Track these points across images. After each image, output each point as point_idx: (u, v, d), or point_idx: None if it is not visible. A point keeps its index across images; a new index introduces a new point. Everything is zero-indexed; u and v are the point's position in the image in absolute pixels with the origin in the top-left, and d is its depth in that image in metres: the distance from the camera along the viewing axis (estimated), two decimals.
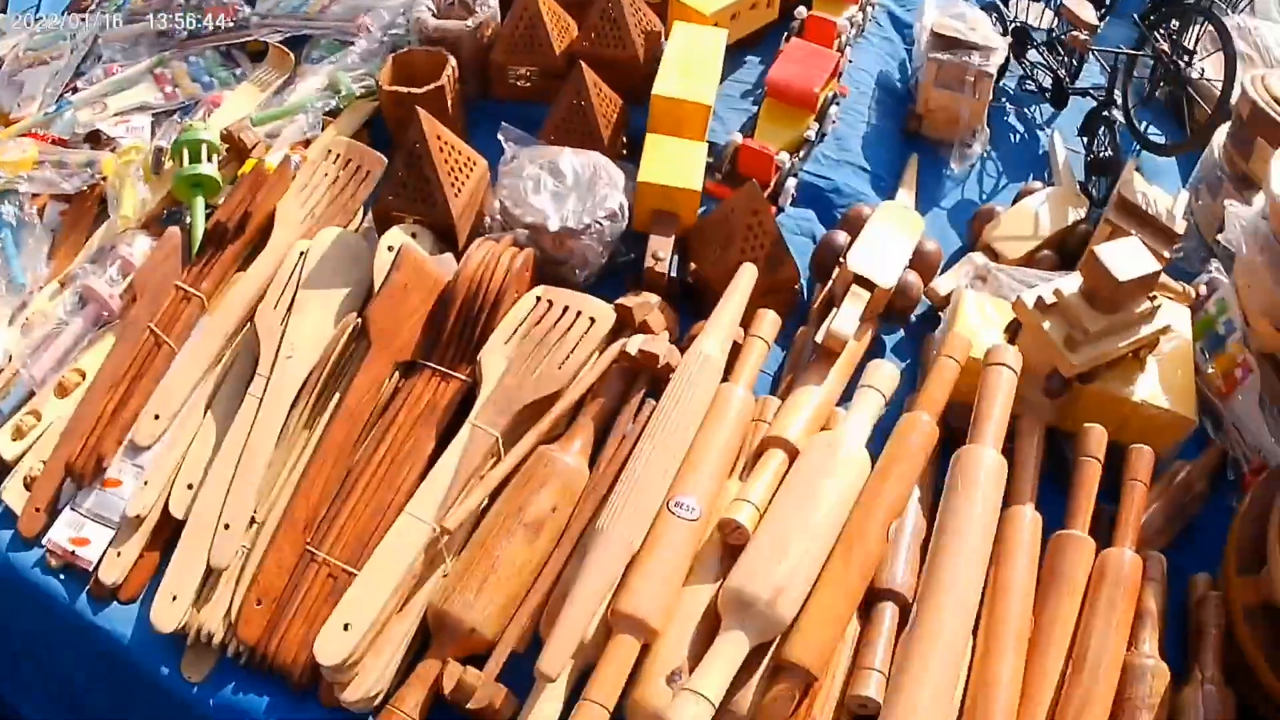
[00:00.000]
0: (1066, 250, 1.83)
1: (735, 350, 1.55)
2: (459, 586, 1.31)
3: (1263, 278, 1.57)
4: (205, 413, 1.51)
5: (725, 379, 1.50)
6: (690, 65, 1.83)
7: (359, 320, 1.53)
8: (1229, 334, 1.65)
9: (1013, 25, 2.18)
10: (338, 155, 1.76)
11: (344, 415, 1.46)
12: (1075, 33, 1.98)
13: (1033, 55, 2.17)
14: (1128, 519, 1.42)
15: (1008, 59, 2.12)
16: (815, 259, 1.73)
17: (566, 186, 1.67)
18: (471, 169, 1.69)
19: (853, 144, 2.01)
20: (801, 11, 2.09)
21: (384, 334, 1.50)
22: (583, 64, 1.81)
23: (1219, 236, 1.67)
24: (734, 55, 2.09)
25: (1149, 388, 1.54)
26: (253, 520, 1.41)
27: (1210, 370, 1.66)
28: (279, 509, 1.42)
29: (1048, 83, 2.13)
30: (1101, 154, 1.93)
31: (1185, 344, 1.60)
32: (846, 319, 1.56)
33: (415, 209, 1.64)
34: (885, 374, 1.50)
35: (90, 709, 1.52)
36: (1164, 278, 1.64)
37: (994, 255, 1.81)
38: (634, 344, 1.49)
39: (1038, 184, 1.94)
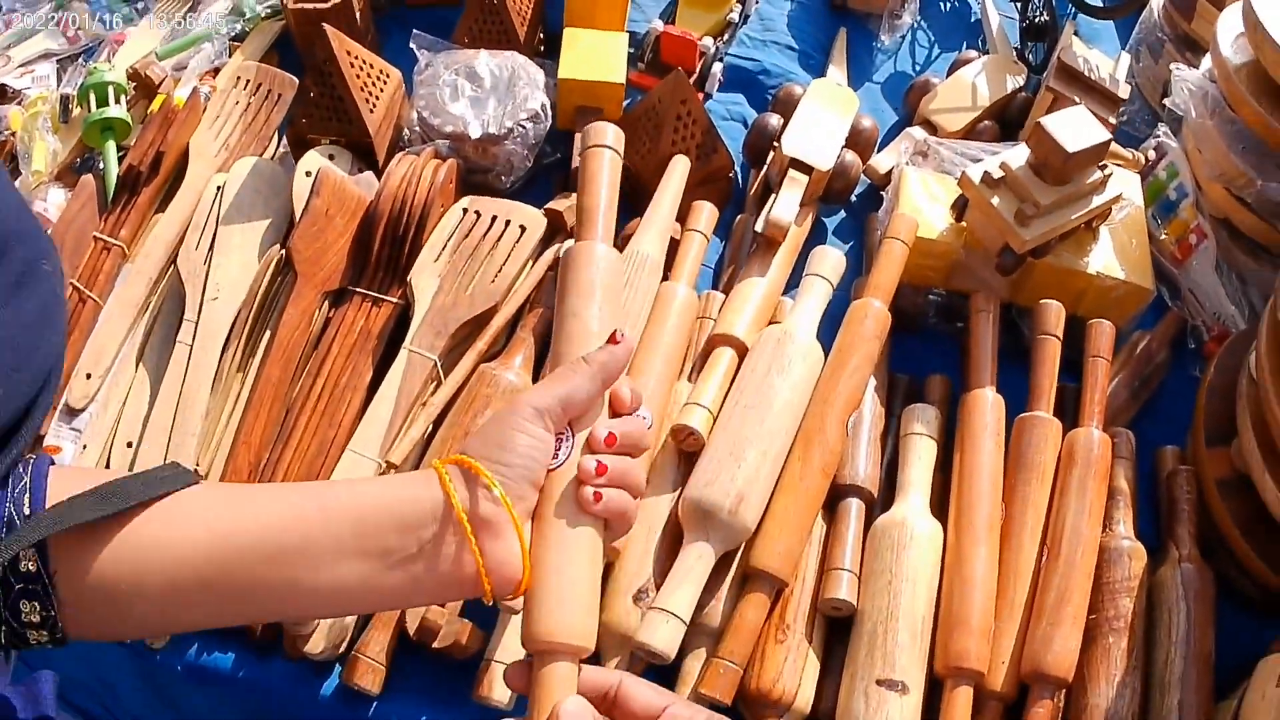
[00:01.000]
0: (1007, 119, 1.78)
1: (673, 246, 1.49)
2: None
3: (1214, 141, 1.53)
4: (137, 365, 1.44)
5: (665, 277, 1.44)
6: None
7: (283, 252, 1.47)
8: (1180, 199, 1.61)
9: None
10: (247, 81, 1.68)
11: (277, 353, 1.39)
12: None
13: None
14: (1092, 397, 1.38)
15: None
16: (748, 144, 1.66)
17: (485, 90, 1.59)
18: (385, 82, 1.61)
19: (778, 23, 1.94)
20: None
21: (309, 263, 1.43)
22: None
23: (1165, 101, 1.62)
24: None
25: (1104, 259, 1.49)
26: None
27: (1163, 237, 1.63)
28: (222, 457, 1.36)
29: None
30: (1036, 19, 1.86)
31: (1138, 212, 1.55)
32: (786, 205, 1.50)
33: (330, 129, 1.57)
34: (831, 260, 1.44)
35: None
36: (1112, 145, 1.58)
37: (932, 129, 1.74)
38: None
39: (973, 53, 1.86)
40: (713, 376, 1.35)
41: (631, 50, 1.76)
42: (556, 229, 1.50)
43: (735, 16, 1.85)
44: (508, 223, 1.47)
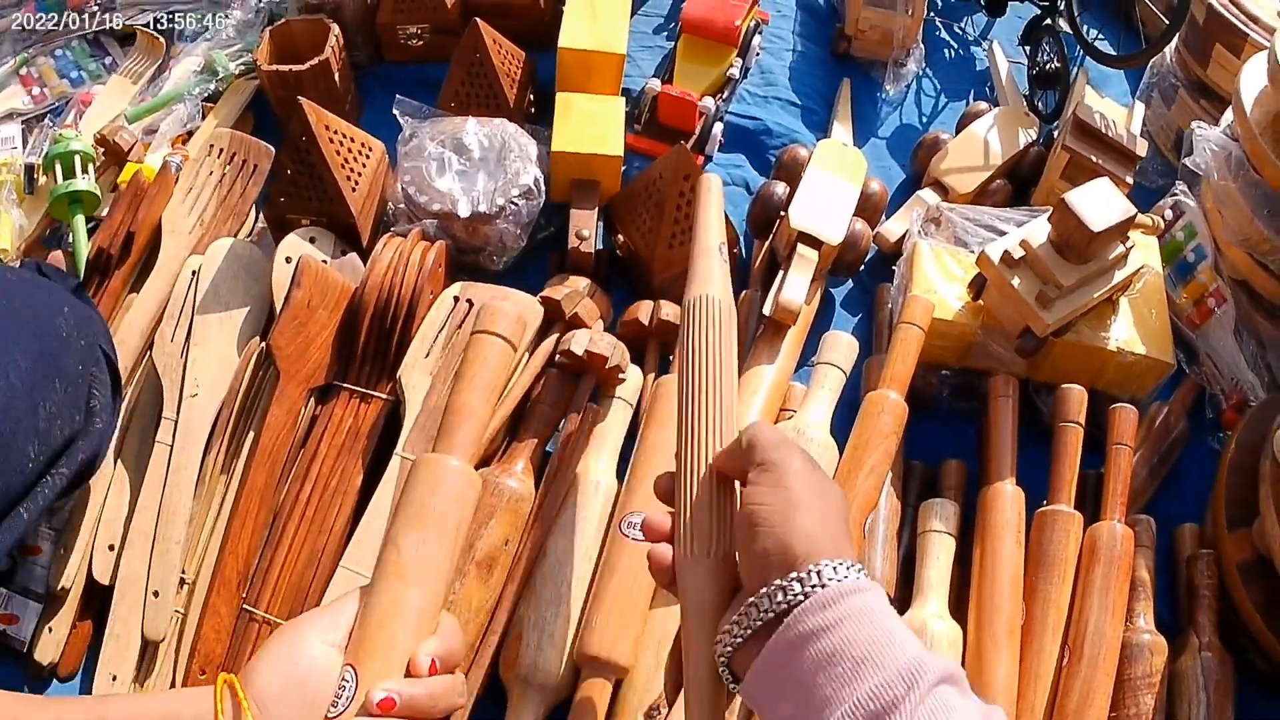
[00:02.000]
0: (1019, 176, 1.71)
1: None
2: None
3: (1237, 203, 1.47)
4: (115, 462, 1.37)
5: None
6: (597, 8, 1.65)
7: (263, 345, 1.38)
8: (1198, 260, 1.55)
9: None
10: (221, 150, 1.60)
11: (262, 456, 1.32)
12: None
13: None
14: (1115, 488, 1.33)
15: None
16: (752, 214, 1.58)
17: (474, 163, 1.51)
18: (368, 157, 1.52)
19: (779, 75, 1.85)
20: None
21: (292, 360, 1.35)
22: (479, 21, 1.62)
23: (1185, 160, 1.55)
24: None
25: (1124, 333, 1.43)
26: (182, 581, 1.30)
27: (1180, 299, 1.57)
28: (208, 565, 1.30)
29: None
30: (1047, 66, 1.77)
31: (1156, 279, 1.49)
32: (795, 287, 1.43)
33: (310, 208, 1.48)
34: (843, 347, 1.37)
35: None
36: None
37: (943, 190, 1.67)
38: (579, 344, 1.34)
39: (982, 104, 1.79)
40: None
41: (628, 109, 1.67)
42: (553, 319, 1.42)
43: (736, 72, 1.76)
44: None
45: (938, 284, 1.45)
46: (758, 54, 1.85)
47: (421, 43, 1.82)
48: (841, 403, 1.35)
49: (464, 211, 1.46)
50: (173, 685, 1.25)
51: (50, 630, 1.30)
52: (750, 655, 0.80)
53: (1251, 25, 1.65)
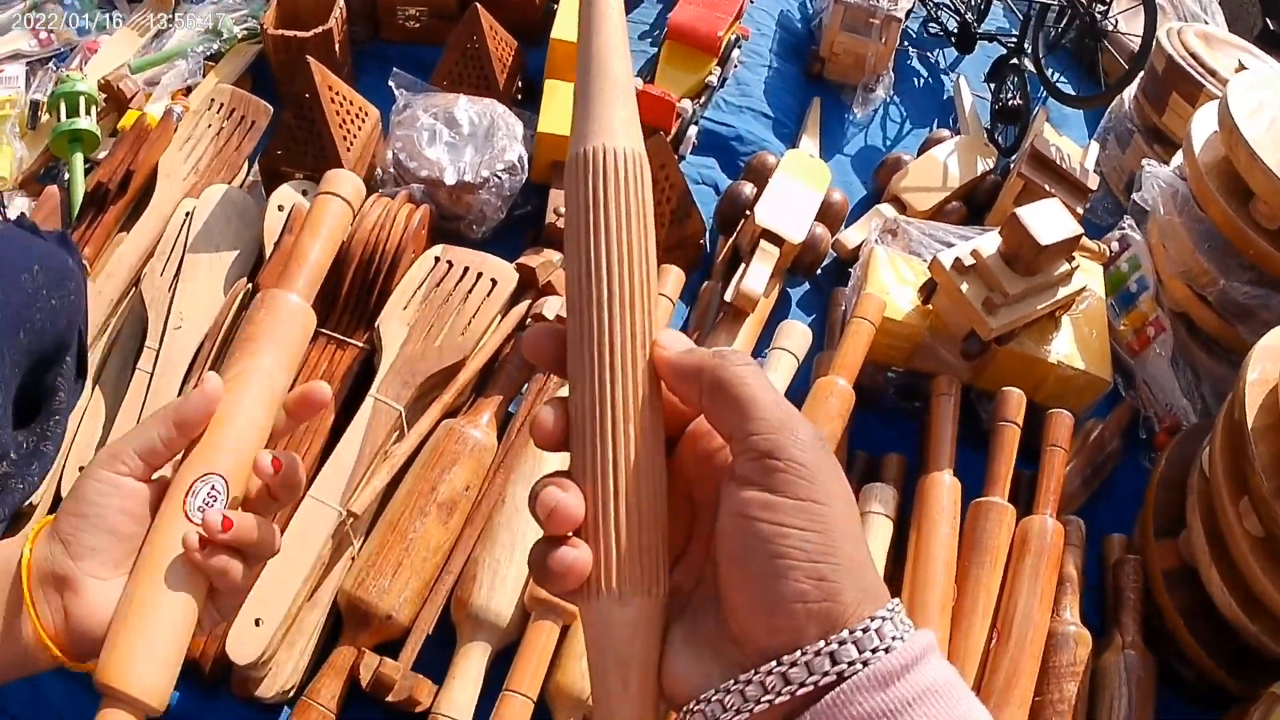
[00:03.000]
0: (975, 200, 1.80)
1: None
2: (371, 571, 1.23)
3: (1180, 238, 1.56)
4: (93, 389, 1.40)
5: None
6: None
7: (250, 286, 1.44)
8: (1141, 291, 1.63)
9: None
10: (221, 104, 1.65)
11: None
12: None
13: None
14: (1048, 485, 1.40)
15: (914, 2, 2.04)
16: (720, 211, 1.66)
17: (463, 137, 1.57)
18: (364, 120, 1.59)
19: (754, 88, 1.93)
20: None
21: None
22: (479, 6, 1.70)
23: (1134, 195, 1.64)
24: None
25: (1065, 348, 1.51)
26: None
27: (1121, 327, 1.65)
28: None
29: (952, 25, 2.06)
30: (1010, 102, 1.87)
31: (1099, 303, 1.57)
32: (756, 277, 1.50)
33: (305, 164, 1.54)
34: (797, 335, 1.45)
35: None
36: None
37: (902, 206, 1.76)
38: (550, 308, 1.42)
39: (945, 131, 1.89)
40: None
41: None
42: (527, 285, 1.48)
43: (714, 79, 1.84)
44: (479, 275, 1.44)
45: (891, 286, 1.52)
46: (736, 66, 1.93)
47: (418, 24, 1.88)
48: (792, 393, 1.42)
49: (450, 180, 1.53)
50: None
51: None
52: None
53: (1208, 77, 1.75)
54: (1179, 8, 2.12)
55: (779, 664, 0.55)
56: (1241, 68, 1.77)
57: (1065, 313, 1.52)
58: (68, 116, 1.63)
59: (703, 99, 1.84)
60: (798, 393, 1.41)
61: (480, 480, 1.33)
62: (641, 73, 1.88)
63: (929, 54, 2.15)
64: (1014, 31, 1.94)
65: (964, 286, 1.43)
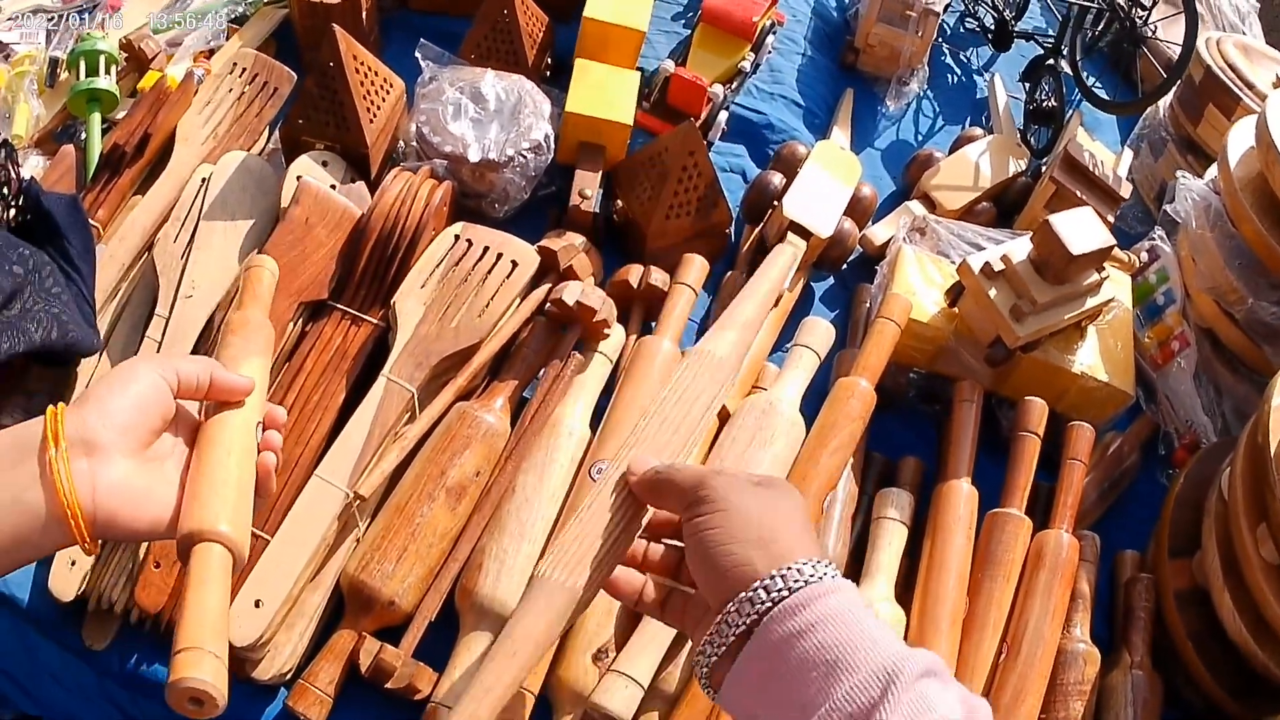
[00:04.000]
0: (1005, 202, 1.77)
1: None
2: (376, 555, 1.21)
3: (1211, 253, 1.53)
4: (100, 355, 1.36)
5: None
6: None
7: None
8: (1167, 304, 1.61)
9: None
10: (244, 69, 1.61)
11: None
12: None
13: None
14: (1066, 500, 1.38)
15: None
16: (747, 200, 1.63)
17: (489, 113, 1.54)
18: (388, 92, 1.55)
19: (787, 75, 1.90)
20: None
21: (284, 272, 1.35)
22: None
23: (1166, 206, 1.61)
24: None
25: (1089, 359, 1.48)
26: None
27: (1146, 339, 1.63)
28: None
29: (990, 21, 2.02)
30: (1044, 103, 1.83)
31: (1126, 315, 1.55)
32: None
33: (327, 134, 1.50)
34: (820, 332, 1.43)
35: None
36: None
37: (931, 204, 1.72)
38: (570, 293, 1.38)
39: (978, 130, 1.86)
40: None
41: (640, 86, 1.70)
42: (548, 268, 1.45)
43: (747, 66, 1.80)
44: (499, 256, 1.42)
45: (917, 287, 1.49)
46: (769, 53, 1.90)
47: None
48: (812, 390, 1.40)
49: (474, 156, 1.49)
50: (135, 572, 1.22)
51: None
52: (726, 668, 0.81)
53: (1246, 90, 1.72)
54: (1217, 17, 2.08)
55: (725, 611, 0.81)
56: None
57: (1091, 323, 1.50)
58: (87, 75, 1.60)
59: (734, 84, 1.80)
60: (818, 390, 1.40)
61: (491, 466, 1.30)
62: (673, 54, 1.85)
63: (964, 52, 2.12)
64: (1050, 31, 1.91)
65: (992, 292, 1.41)
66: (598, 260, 1.52)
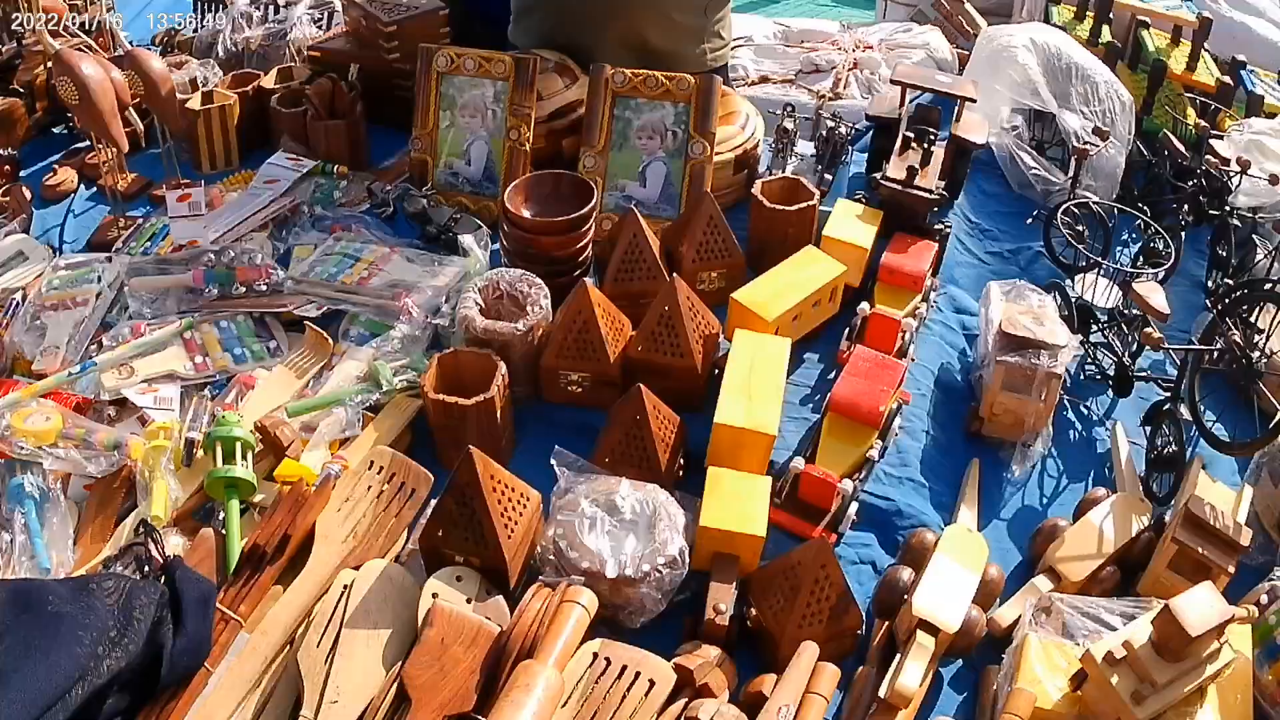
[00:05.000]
0: (1129, 562, 1.87)
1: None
2: None
3: None
4: None
5: None
6: (753, 385, 1.85)
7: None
8: None
9: (1076, 303, 2.22)
10: (381, 468, 1.77)
11: None
12: (1149, 330, 1.98)
13: (1095, 336, 2.21)
14: None
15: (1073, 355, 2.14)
16: (877, 597, 1.75)
17: (624, 524, 1.69)
18: (524, 505, 1.70)
19: (912, 455, 2.03)
20: (864, 308, 2.13)
21: (424, 690, 1.50)
22: (642, 388, 1.82)
23: None
24: (792, 353, 2.04)
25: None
26: None
27: (1266, 678, 1.69)
28: None
29: (1109, 364, 2.16)
30: (1165, 450, 1.96)
31: (1246, 665, 1.64)
32: (911, 673, 1.58)
33: (465, 548, 1.65)
34: None
35: None
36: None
37: (1056, 576, 1.83)
38: (705, 712, 1.50)
39: (1101, 490, 1.97)
40: None
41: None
42: (683, 684, 1.57)
43: (875, 454, 1.93)
44: (637, 675, 1.54)
45: (1042, 675, 1.60)
46: (896, 434, 2.02)
47: (580, 389, 2.00)
48: None
49: (611, 573, 1.63)
50: None
51: None
52: None
53: None
54: None
55: None
56: None
57: (1212, 683, 1.58)
58: (224, 460, 1.76)
59: (863, 474, 1.92)
60: None
61: None
62: (801, 446, 1.99)
63: (1083, 402, 2.24)
64: (1169, 368, 2.03)
65: (1114, 679, 1.52)
66: (732, 670, 1.63)
